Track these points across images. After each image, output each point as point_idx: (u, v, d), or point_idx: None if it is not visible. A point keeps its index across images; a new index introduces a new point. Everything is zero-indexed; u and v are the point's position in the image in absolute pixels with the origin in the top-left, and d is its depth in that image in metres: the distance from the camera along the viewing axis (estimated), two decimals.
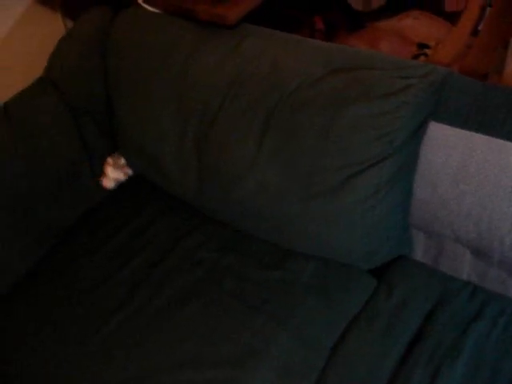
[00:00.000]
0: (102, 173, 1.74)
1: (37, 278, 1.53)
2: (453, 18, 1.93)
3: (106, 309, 1.42)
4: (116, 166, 1.75)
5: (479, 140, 1.32)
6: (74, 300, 1.45)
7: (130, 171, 1.78)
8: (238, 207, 1.54)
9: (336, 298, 1.44)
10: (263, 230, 1.55)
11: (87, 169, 1.69)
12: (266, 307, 1.40)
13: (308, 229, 1.47)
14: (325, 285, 1.46)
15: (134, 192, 1.76)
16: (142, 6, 1.67)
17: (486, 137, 1.31)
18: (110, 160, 1.75)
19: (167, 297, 1.44)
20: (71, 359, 1.33)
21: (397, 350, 1.31)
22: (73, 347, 1.35)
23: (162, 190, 1.70)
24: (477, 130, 1.33)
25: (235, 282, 1.46)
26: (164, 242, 1.58)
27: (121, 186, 1.78)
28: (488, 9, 1.79)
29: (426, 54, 1.86)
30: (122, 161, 1.76)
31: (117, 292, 1.46)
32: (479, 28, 1.78)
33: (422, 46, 1.90)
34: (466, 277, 1.49)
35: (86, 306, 1.43)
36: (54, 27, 1.96)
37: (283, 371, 1.29)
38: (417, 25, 1.97)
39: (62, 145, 1.63)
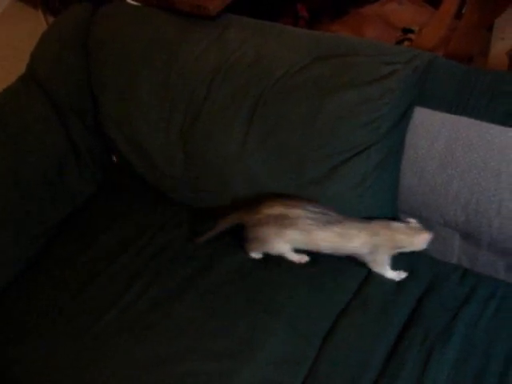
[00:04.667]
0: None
1: (32, 274, 1.53)
2: (437, 2, 1.92)
3: (103, 302, 1.42)
4: None
5: (464, 123, 1.32)
6: (69, 296, 1.45)
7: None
8: (226, 198, 1.54)
9: (327, 286, 1.43)
10: None
11: (73, 165, 1.67)
12: (260, 298, 1.40)
13: None
14: (316, 274, 1.45)
15: (121, 187, 1.76)
16: (123, 0, 1.66)
17: (471, 120, 1.31)
18: None
19: (163, 290, 1.44)
20: (69, 354, 1.34)
21: (389, 336, 1.31)
22: (69, 342, 1.35)
23: (149, 185, 1.69)
24: (462, 114, 1.32)
25: (228, 274, 1.46)
26: (155, 236, 1.57)
27: (107, 181, 1.77)
28: None
29: (410, 39, 1.86)
30: None
31: (113, 286, 1.46)
32: (463, 11, 1.77)
33: (407, 30, 1.90)
34: (457, 261, 1.49)
35: (82, 300, 1.43)
36: (36, 24, 1.94)
37: (277, 361, 1.30)
38: (401, 10, 1.96)
39: (48, 143, 1.62)
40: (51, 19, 1.98)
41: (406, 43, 1.85)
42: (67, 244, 1.59)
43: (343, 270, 1.48)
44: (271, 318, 1.36)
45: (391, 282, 1.43)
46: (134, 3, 1.66)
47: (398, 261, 1.45)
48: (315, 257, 1.49)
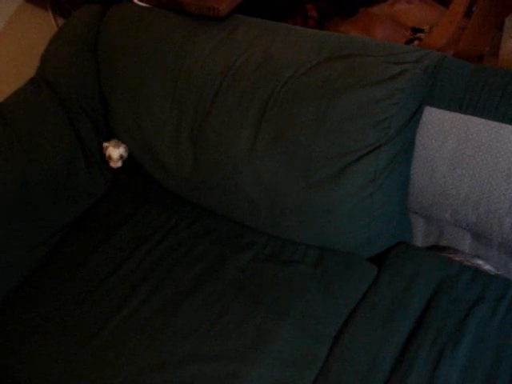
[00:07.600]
0: (104, 158, 1.72)
1: (39, 278, 1.54)
2: (447, 0, 1.91)
3: (109, 306, 1.42)
4: (115, 146, 1.71)
5: (475, 123, 1.32)
6: (76, 299, 1.45)
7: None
8: (235, 199, 1.54)
9: (337, 286, 1.44)
10: (262, 222, 1.55)
11: (83, 167, 1.69)
12: (267, 299, 1.40)
13: (307, 219, 1.46)
14: (325, 274, 1.46)
15: (130, 189, 1.76)
16: (132, 1, 1.67)
17: (482, 119, 1.31)
18: (106, 143, 1.72)
19: (169, 292, 1.44)
20: (75, 358, 1.34)
21: (399, 336, 1.31)
22: (76, 346, 1.36)
23: (159, 186, 1.70)
24: (472, 113, 1.32)
25: (236, 275, 1.46)
26: (164, 238, 1.58)
27: (117, 182, 1.78)
28: None
29: (420, 38, 1.85)
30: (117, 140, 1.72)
31: (119, 289, 1.46)
32: (473, 9, 1.76)
33: (416, 30, 1.89)
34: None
35: (88, 304, 1.44)
36: (46, 26, 1.96)
37: (286, 362, 1.30)
38: (410, 9, 1.95)
39: (58, 144, 1.63)
40: (61, 21, 1.99)
41: (416, 42, 1.84)
42: (76, 245, 1.59)
43: (353, 270, 1.48)
44: (279, 318, 1.36)
45: (401, 281, 1.42)
46: (143, 5, 1.66)
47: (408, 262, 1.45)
48: (323, 256, 1.49)
